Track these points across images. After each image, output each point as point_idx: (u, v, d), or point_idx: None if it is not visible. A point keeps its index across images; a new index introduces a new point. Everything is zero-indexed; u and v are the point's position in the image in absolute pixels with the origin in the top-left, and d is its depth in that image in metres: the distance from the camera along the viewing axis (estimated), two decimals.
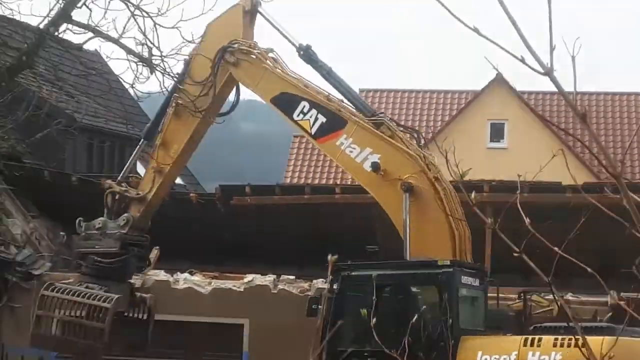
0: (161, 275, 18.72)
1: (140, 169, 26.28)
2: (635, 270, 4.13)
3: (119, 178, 15.91)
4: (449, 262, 13.31)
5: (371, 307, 13.07)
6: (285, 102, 15.25)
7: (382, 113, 15.66)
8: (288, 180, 36.00)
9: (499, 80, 35.59)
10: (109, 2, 12.77)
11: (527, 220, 3.74)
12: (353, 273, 13.93)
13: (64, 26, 12.95)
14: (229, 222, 20.44)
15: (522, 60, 3.38)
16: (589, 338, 4.42)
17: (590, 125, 3.83)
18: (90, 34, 12.98)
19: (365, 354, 13.20)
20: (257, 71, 15.37)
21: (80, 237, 15.45)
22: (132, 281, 16.02)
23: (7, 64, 13.68)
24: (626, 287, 14.88)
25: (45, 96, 19.56)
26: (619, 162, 3.94)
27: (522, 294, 16.08)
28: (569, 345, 11.74)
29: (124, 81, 15.44)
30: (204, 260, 20.40)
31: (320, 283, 17.38)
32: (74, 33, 13.09)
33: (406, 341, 7.69)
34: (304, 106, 15.08)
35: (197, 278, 18.74)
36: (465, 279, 13.46)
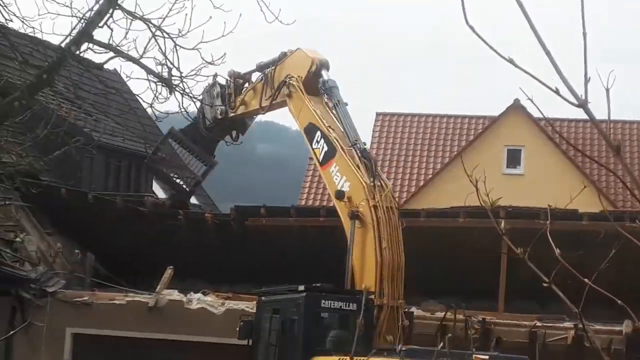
0: (175, 294, 18.72)
1: (157, 188, 26.33)
2: None
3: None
4: (304, 288, 14.27)
5: (257, 330, 14.68)
6: (310, 132, 16.75)
7: (357, 141, 16.41)
8: (303, 202, 35.96)
9: (516, 106, 35.50)
10: (131, 22, 12.86)
11: (557, 251, 3.71)
12: (263, 298, 15.23)
13: (85, 45, 13.01)
14: (244, 243, 20.45)
15: (557, 92, 3.36)
16: None
17: (622, 157, 3.80)
18: (111, 54, 13.03)
19: None
20: (299, 103, 17.14)
21: None
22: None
23: (27, 81, 13.75)
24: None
25: (64, 114, 19.62)
26: None
27: (449, 309, 16.58)
28: None
29: (143, 100, 15.49)
30: (217, 280, 20.41)
31: None
32: (95, 52, 13.14)
33: None
34: (318, 135, 16.47)
35: (210, 298, 18.71)
36: (328, 303, 14.26)
